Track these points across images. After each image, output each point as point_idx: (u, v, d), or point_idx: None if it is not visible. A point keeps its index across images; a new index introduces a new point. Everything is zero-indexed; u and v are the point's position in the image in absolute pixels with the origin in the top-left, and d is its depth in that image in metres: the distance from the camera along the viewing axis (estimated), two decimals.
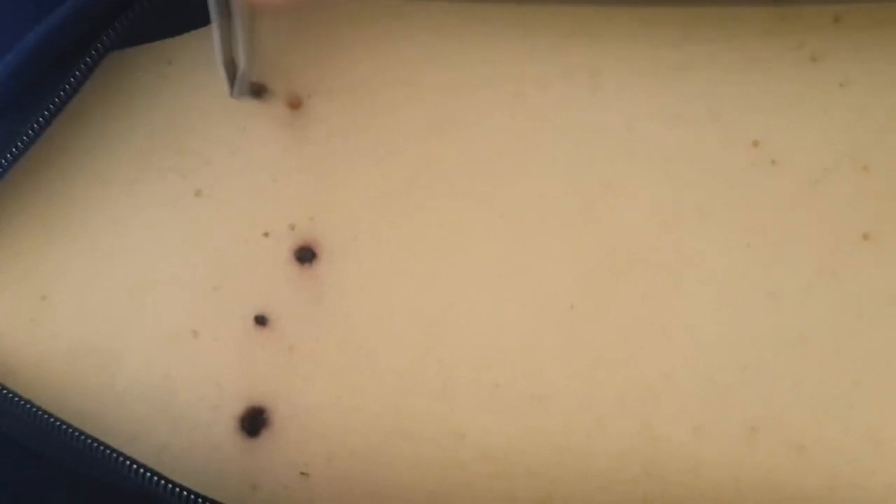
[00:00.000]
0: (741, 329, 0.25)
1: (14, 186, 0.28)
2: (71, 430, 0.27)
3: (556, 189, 0.26)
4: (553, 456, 0.27)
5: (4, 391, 0.27)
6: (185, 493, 0.26)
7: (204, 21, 0.25)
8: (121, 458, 0.26)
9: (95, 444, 0.27)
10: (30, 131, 0.26)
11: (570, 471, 0.27)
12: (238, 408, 0.28)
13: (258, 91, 0.27)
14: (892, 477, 0.25)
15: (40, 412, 0.27)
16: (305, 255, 0.28)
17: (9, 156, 0.26)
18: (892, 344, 0.25)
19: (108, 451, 0.26)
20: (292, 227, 0.28)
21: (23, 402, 0.27)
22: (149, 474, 0.26)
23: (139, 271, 0.28)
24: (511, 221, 0.27)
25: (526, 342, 0.27)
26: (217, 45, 0.25)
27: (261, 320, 0.28)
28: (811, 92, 0.25)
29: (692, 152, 0.26)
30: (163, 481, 0.26)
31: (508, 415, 0.27)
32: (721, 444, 0.26)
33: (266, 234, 0.28)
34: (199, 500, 0.25)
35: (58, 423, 0.27)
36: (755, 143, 0.25)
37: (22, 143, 0.26)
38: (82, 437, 0.27)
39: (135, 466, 0.26)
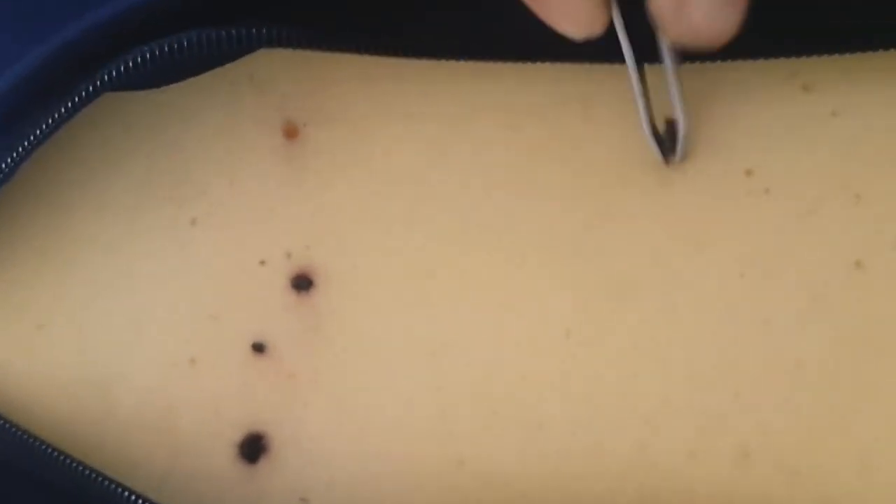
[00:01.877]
0: (735, 356, 0.26)
1: (10, 214, 0.28)
2: (70, 462, 0.27)
3: (551, 218, 0.26)
4: (551, 481, 0.27)
5: (2, 422, 0.27)
6: None
7: (200, 70, 0.25)
8: (119, 489, 0.26)
9: (94, 475, 0.27)
10: (11, 158, 0.26)
11: (568, 495, 0.27)
12: (237, 435, 0.28)
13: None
14: (884, 503, 0.25)
15: (38, 443, 0.27)
16: (302, 283, 0.28)
17: None
18: (883, 371, 0.25)
19: (107, 483, 0.27)
20: (289, 256, 0.28)
21: (21, 433, 0.27)
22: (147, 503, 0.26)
23: (136, 300, 0.28)
24: (507, 250, 0.27)
25: (523, 369, 0.27)
26: (642, 109, 0.24)
27: (259, 347, 0.28)
28: (804, 121, 0.25)
29: (686, 181, 0.26)
30: None
31: (506, 441, 0.27)
32: (715, 469, 0.26)
33: (262, 263, 0.28)
34: None
35: (56, 454, 0.27)
36: (748, 173, 0.26)
37: (5, 167, 0.26)
38: (81, 468, 0.27)
39: (133, 497, 0.26)
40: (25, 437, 0.27)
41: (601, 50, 0.22)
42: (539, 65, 0.26)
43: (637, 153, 0.26)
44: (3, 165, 0.26)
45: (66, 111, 0.25)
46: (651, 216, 0.26)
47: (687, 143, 0.25)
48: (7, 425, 0.27)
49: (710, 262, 0.26)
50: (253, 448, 0.28)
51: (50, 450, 0.27)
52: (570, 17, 0.20)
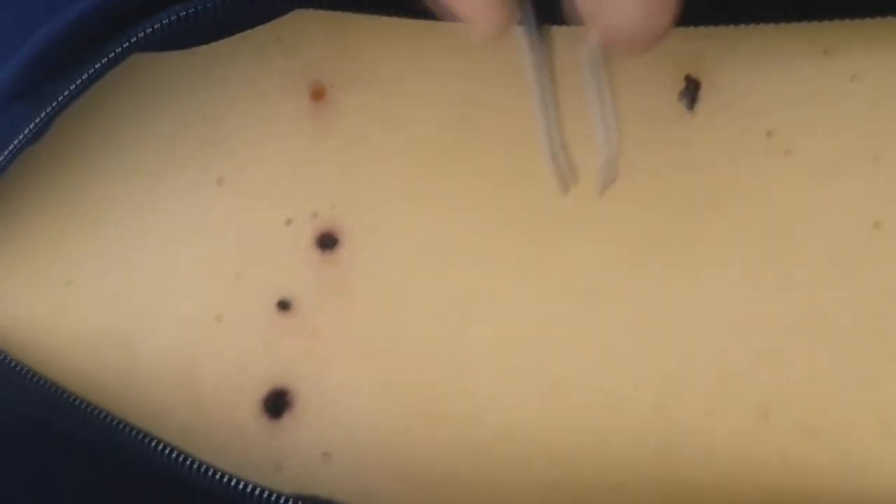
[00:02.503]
0: (754, 315, 0.26)
1: (39, 174, 0.29)
2: (96, 411, 0.27)
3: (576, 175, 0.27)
4: (570, 438, 0.27)
5: (30, 374, 0.28)
6: (210, 471, 0.26)
7: (230, 32, 0.25)
8: (145, 438, 0.27)
9: (120, 424, 0.27)
10: (40, 117, 0.26)
11: (586, 452, 0.27)
12: (261, 390, 0.28)
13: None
14: None
15: (64, 393, 0.28)
16: (328, 241, 0.28)
17: (22, 138, 0.26)
18: None
19: (132, 431, 0.27)
20: (314, 215, 0.28)
21: (47, 385, 0.28)
22: (174, 453, 0.27)
23: (163, 258, 0.29)
24: (530, 208, 0.27)
25: (544, 326, 0.27)
26: (544, 133, 0.20)
27: (283, 305, 0.28)
28: (824, 85, 0.26)
29: (706, 141, 0.26)
30: (188, 460, 0.26)
31: (527, 398, 0.27)
32: (734, 427, 0.26)
33: (288, 222, 0.28)
34: (225, 477, 0.26)
35: (81, 404, 0.27)
36: (769, 134, 0.26)
37: (34, 125, 0.26)
38: (106, 417, 0.27)
39: (160, 446, 0.27)
40: (51, 387, 0.27)
41: None
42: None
43: (657, 111, 0.26)
44: (33, 125, 0.26)
45: (95, 71, 0.26)
46: (671, 175, 0.26)
47: (609, 170, 0.21)
48: (33, 375, 0.28)
49: (730, 222, 0.26)
50: (276, 403, 0.28)
51: (76, 400, 0.27)
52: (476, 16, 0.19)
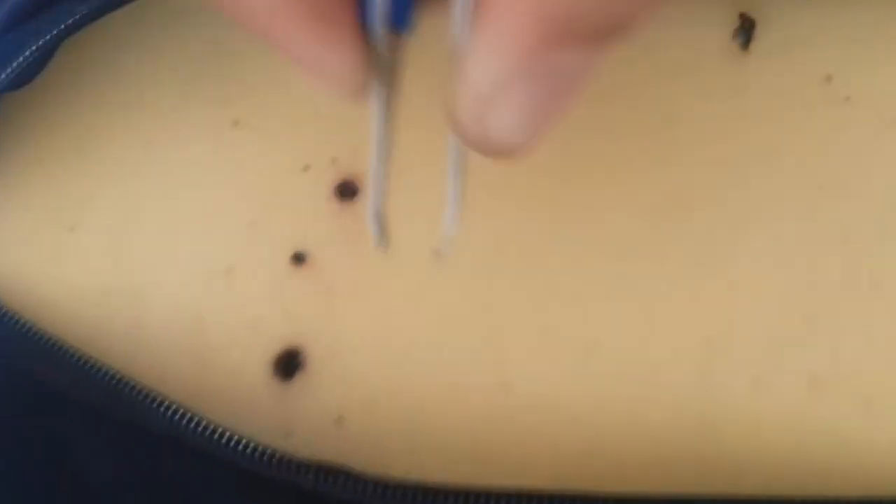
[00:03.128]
0: (808, 275, 0.24)
1: (44, 110, 0.27)
2: (96, 369, 0.26)
3: (614, 123, 0.25)
4: (603, 406, 0.25)
5: (27, 328, 0.26)
6: (217, 434, 0.24)
7: None
8: (148, 397, 0.25)
9: (121, 383, 0.25)
10: (37, 45, 0.24)
11: (621, 423, 0.25)
12: (272, 350, 0.27)
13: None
14: None
15: (64, 350, 0.26)
16: (347, 191, 0.27)
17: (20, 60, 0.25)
18: None
19: (135, 390, 0.25)
20: (334, 161, 0.26)
21: (45, 340, 0.26)
22: (179, 415, 0.25)
23: (172, 204, 0.27)
24: (564, 158, 0.25)
25: (576, 285, 0.25)
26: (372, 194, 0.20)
27: (298, 258, 0.27)
28: (887, 25, 0.24)
29: (760, 87, 0.24)
30: (194, 422, 0.25)
31: (556, 363, 0.25)
32: (782, 397, 0.24)
33: (306, 168, 0.27)
34: (232, 441, 0.24)
35: (81, 362, 0.26)
36: (828, 79, 0.24)
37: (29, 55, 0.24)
38: (107, 376, 0.26)
39: (164, 406, 0.25)
40: (48, 342, 0.26)
41: None
42: None
43: (708, 54, 0.24)
44: (28, 53, 0.24)
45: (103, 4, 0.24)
46: (721, 122, 0.24)
47: (455, 242, 0.22)
48: (32, 331, 0.26)
49: (784, 173, 0.24)
50: (288, 364, 0.27)
51: (75, 357, 0.26)
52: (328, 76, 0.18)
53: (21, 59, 0.24)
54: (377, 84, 0.18)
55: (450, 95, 0.17)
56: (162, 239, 0.27)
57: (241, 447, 0.24)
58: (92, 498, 0.26)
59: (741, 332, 0.24)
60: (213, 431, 0.25)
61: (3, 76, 0.24)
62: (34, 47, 0.24)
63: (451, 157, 0.20)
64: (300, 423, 0.27)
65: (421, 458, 0.26)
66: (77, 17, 0.24)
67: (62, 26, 0.24)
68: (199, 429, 0.25)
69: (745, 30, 0.24)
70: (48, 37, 0.24)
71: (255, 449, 0.24)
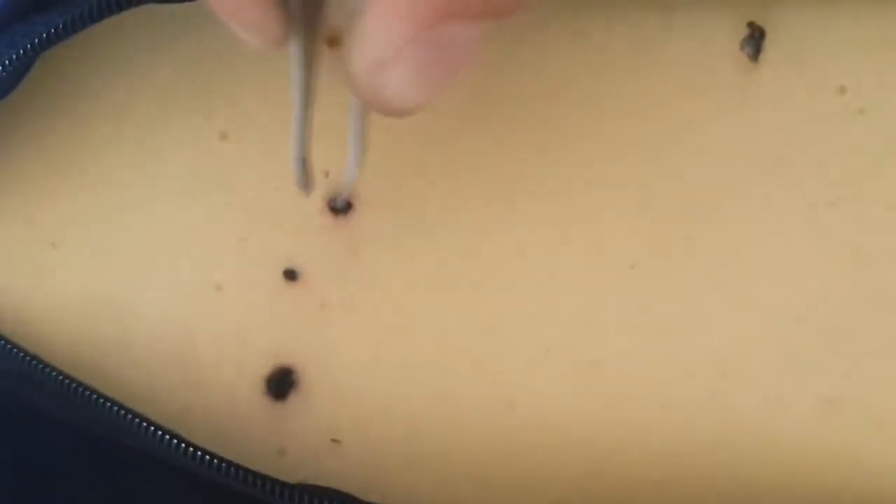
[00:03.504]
0: (821, 290, 0.23)
1: (22, 120, 0.26)
2: (81, 388, 0.25)
3: (621, 134, 0.24)
4: (609, 427, 0.24)
5: (9, 346, 0.25)
6: (206, 456, 0.23)
7: None
8: (136, 419, 0.24)
9: (108, 403, 0.24)
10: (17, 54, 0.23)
11: (628, 444, 0.24)
12: (264, 368, 0.26)
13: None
14: None
15: (48, 369, 0.25)
16: (340, 204, 0.26)
17: None
18: None
19: (122, 411, 0.24)
20: (326, 174, 0.25)
21: (28, 359, 0.25)
22: (166, 436, 0.24)
23: (158, 218, 0.26)
24: (568, 168, 0.24)
25: (582, 303, 0.24)
26: (294, 141, 0.22)
27: (290, 274, 0.26)
28: None
29: (772, 98, 0.23)
30: (182, 444, 0.24)
31: (561, 382, 0.25)
32: (795, 418, 0.24)
33: None
34: (223, 464, 0.23)
35: (67, 381, 0.25)
36: (841, 90, 0.23)
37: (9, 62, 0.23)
38: (93, 396, 0.24)
39: (151, 428, 0.24)
40: (31, 360, 0.24)
41: None
42: None
43: (719, 65, 0.24)
44: (2, 67, 0.23)
45: (88, 14, 0.23)
46: (732, 134, 0.24)
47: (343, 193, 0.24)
48: (14, 350, 0.25)
49: (795, 187, 0.23)
50: (281, 383, 0.26)
51: (59, 376, 0.24)
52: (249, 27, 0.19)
53: (3, 64, 0.23)
54: (295, 33, 0.19)
55: (347, 54, 0.18)
56: (147, 255, 0.26)
57: (232, 470, 0.23)
58: None
59: (752, 350, 0.24)
60: (204, 454, 0.24)
61: None
62: (7, 61, 0.23)
63: (351, 110, 0.21)
64: (294, 444, 0.26)
65: (420, 480, 0.25)
66: (53, 29, 0.22)
67: (37, 40, 0.22)
68: (189, 451, 0.24)
69: (755, 39, 0.23)
70: (22, 50, 0.22)
71: (246, 472, 0.23)
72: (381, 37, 0.17)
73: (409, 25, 0.16)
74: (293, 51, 0.20)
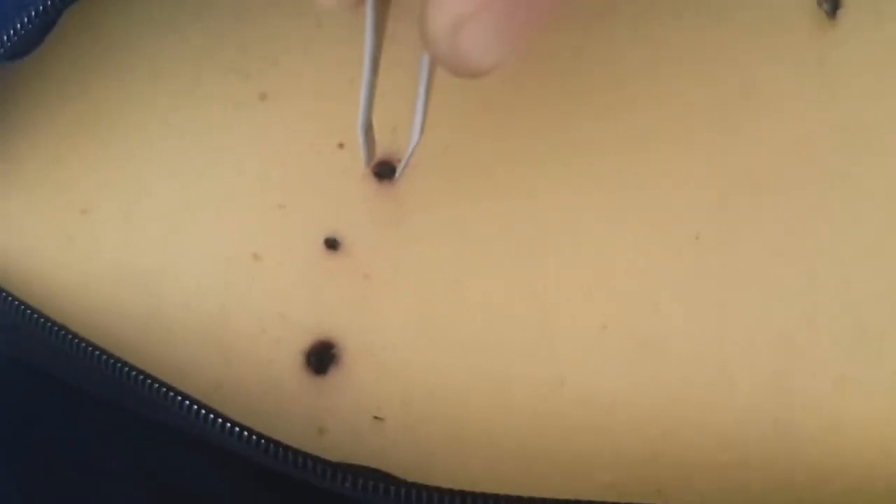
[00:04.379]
0: None
1: (52, 83, 0.25)
2: (112, 361, 0.24)
3: (686, 97, 0.23)
4: (666, 408, 0.23)
5: (37, 316, 0.24)
6: (243, 432, 0.22)
7: None
8: (169, 393, 0.23)
9: (139, 377, 0.23)
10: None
11: (686, 426, 0.23)
12: (304, 342, 0.24)
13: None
14: None
15: (77, 340, 0.24)
16: (385, 170, 0.24)
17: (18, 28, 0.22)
18: None
19: (154, 384, 0.23)
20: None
21: (57, 329, 0.24)
22: (202, 412, 0.23)
23: (193, 184, 0.25)
24: (629, 132, 0.23)
25: (640, 276, 0.23)
26: (363, 109, 0.21)
27: (331, 244, 0.24)
28: None
29: (849, 59, 0.22)
30: (218, 420, 0.22)
31: (616, 360, 0.23)
32: (867, 399, 0.22)
33: (341, 146, 0.24)
34: (261, 440, 0.22)
35: (96, 353, 0.24)
36: None
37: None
38: (125, 369, 0.23)
39: (186, 402, 0.23)
40: (60, 331, 0.23)
41: None
42: None
43: (791, 22, 0.22)
44: (26, 20, 0.22)
45: None
46: (803, 95, 0.22)
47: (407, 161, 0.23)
48: (42, 320, 0.24)
49: (873, 156, 0.22)
50: (321, 358, 0.24)
51: (90, 348, 0.23)
52: None
53: (18, 26, 0.21)
54: None
55: (423, 15, 0.17)
56: (181, 221, 0.25)
57: (269, 447, 0.22)
58: (93, 490, 0.24)
59: (824, 327, 0.22)
60: (240, 429, 0.23)
61: None
62: (34, 13, 0.21)
63: (422, 72, 0.20)
64: (334, 422, 0.25)
65: (465, 460, 0.24)
66: None
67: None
68: (225, 426, 0.23)
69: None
70: (42, 6, 0.21)
71: (284, 449, 0.22)
72: None
73: None
74: (368, 12, 0.19)
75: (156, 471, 0.25)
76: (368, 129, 0.22)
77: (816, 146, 0.22)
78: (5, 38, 0.22)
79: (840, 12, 0.22)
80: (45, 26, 0.23)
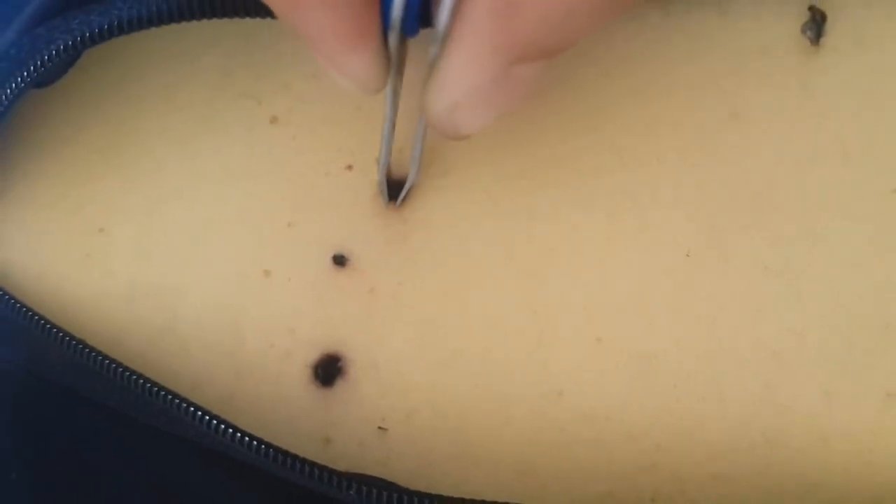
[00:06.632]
0: (885, 283, 0.23)
1: (73, 105, 0.26)
2: (127, 373, 0.24)
3: (676, 120, 0.23)
4: (660, 420, 0.24)
5: (55, 330, 0.25)
6: (253, 442, 0.23)
7: None
8: (182, 404, 0.24)
9: (153, 388, 0.24)
10: (68, 42, 0.23)
11: (679, 438, 0.24)
12: (311, 355, 0.25)
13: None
14: None
15: (94, 353, 0.25)
16: (392, 190, 0.25)
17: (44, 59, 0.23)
18: None
19: (167, 396, 0.24)
20: (378, 160, 0.25)
21: (75, 343, 0.25)
22: (214, 422, 0.23)
23: (207, 203, 0.26)
24: (622, 156, 0.24)
25: (634, 293, 0.24)
26: (384, 152, 0.24)
27: (339, 260, 0.25)
28: None
29: (833, 80, 0.23)
30: (229, 430, 0.23)
31: (612, 373, 0.24)
32: (854, 413, 0.23)
33: (349, 167, 0.25)
34: (270, 450, 0.23)
35: (113, 366, 0.24)
36: None
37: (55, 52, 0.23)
38: (140, 381, 0.24)
39: (198, 413, 0.24)
40: (77, 345, 0.24)
41: None
42: None
43: (776, 49, 0.23)
44: (47, 57, 0.23)
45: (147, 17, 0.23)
46: (789, 119, 0.23)
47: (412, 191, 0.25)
48: (60, 334, 0.25)
49: (858, 175, 0.23)
50: (328, 370, 0.25)
51: (105, 360, 0.24)
52: (354, 77, 0.20)
53: (46, 57, 0.23)
54: (390, 80, 0.21)
55: (424, 99, 0.19)
56: (195, 240, 0.26)
57: (278, 456, 0.23)
58: (108, 502, 0.25)
59: (812, 342, 0.23)
60: (250, 439, 0.23)
61: (25, 74, 0.23)
62: (62, 46, 0.23)
63: (419, 128, 0.24)
64: (340, 432, 0.25)
65: (467, 470, 0.25)
66: (107, 24, 0.22)
67: (78, 37, 0.22)
68: (235, 436, 0.23)
69: (816, 23, 0.22)
70: (79, 38, 0.22)
71: (293, 458, 0.23)
72: (456, 84, 0.19)
73: (487, 74, 0.18)
74: (388, 93, 0.21)
75: (169, 483, 0.26)
76: (388, 174, 0.24)
77: (801, 167, 0.23)
78: (32, 68, 0.23)
79: (823, 39, 0.23)
80: (70, 59, 0.24)
